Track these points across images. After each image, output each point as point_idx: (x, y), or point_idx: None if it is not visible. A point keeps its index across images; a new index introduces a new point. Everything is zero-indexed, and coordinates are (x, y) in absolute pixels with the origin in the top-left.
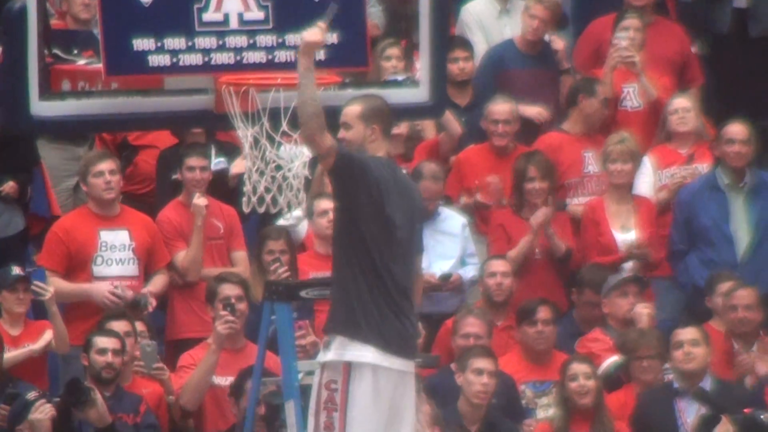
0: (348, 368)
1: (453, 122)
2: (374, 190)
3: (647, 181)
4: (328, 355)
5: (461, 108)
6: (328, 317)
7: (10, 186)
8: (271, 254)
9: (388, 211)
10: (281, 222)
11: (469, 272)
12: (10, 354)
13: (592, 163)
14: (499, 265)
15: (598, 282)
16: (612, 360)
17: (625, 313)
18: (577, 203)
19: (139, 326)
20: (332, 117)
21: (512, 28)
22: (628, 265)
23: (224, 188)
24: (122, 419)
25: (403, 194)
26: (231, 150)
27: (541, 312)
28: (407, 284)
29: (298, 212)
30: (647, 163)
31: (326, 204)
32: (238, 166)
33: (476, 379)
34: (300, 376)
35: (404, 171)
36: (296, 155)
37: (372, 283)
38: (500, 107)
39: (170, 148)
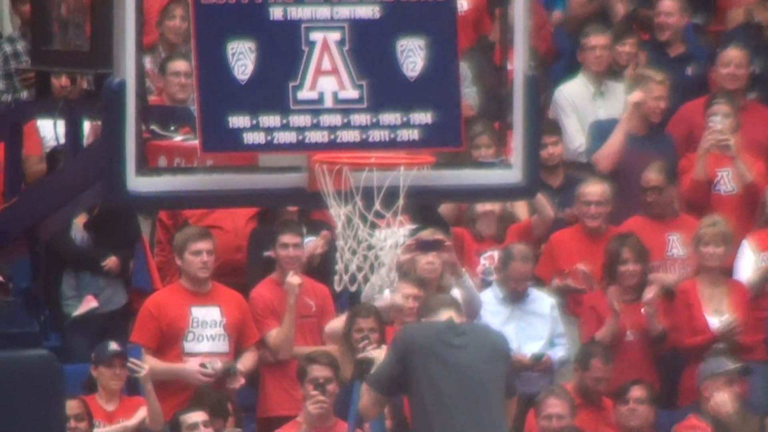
0: None
1: (546, 206)
2: (412, 374)
3: (748, 264)
4: None
5: (553, 189)
6: None
7: (112, 261)
8: (360, 332)
9: (435, 380)
10: (376, 302)
11: (558, 353)
12: (104, 430)
13: (676, 246)
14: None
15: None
16: None
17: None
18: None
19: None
20: (427, 197)
21: (606, 110)
22: (719, 347)
23: (317, 266)
24: None
25: (459, 350)
26: (320, 228)
27: (635, 391)
28: None
29: (388, 292)
30: (748, 247)
31: (409, 290)
32: (315, 245)
33: None
34: None
35: (474, 323)
36: (389, 235)
37: None
38: (592, 188)
39: (261, 225)
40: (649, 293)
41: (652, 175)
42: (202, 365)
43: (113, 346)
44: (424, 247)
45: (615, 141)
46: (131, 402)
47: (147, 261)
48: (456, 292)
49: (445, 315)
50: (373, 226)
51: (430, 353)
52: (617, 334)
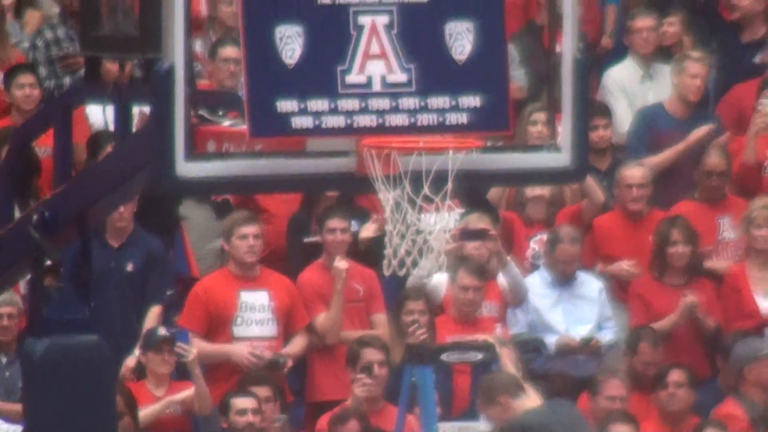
0: None
1: (596, 190)
2: None
3: None
4: None
5: (602, 172)
6: None
7: None
8: (410, 315)
9: None
10: (413, 276)
11: (606, 336)
12: (150, 408)
13: (727, 229)
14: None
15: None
16: None
17: None
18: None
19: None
20: (475, 181)
21: (655, 93)
22: None
23: (365, 251)
24: None
25: None
26: (362, 213)
27: (674, 375)
28: None
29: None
30: None
31: (469, 281)
32: (367, 230)
33: None
34: None
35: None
36: (438, 219)
37: None
38: (633, 172)
39: (301, 211)
40: (688, 302)
41: (715, 159)
42: (254, 348)
43: (162, 331)
44: (470, 236)
45: (666, 156)
46: (180, 387)
47: (185, 248)
48: (501, 279)
49: (531, 397)
50: (422, 210)
51: None
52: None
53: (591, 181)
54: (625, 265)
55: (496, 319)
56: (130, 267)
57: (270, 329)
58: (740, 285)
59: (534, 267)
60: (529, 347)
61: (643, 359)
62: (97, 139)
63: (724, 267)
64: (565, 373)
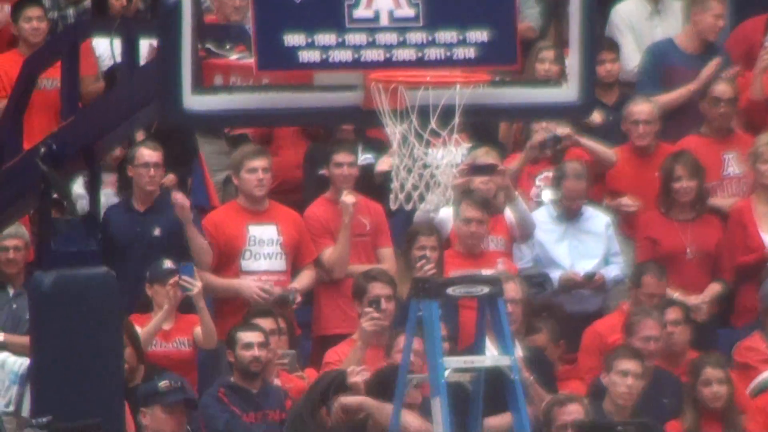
0: None
1: (606, 152)
2: None
3: None
4: None
5: (608, 107)
6: None
7: (169, 179)
8: (422, 250)
9: None
10: (420, 211)
11: (613, 271)
12: (143, 331)
13: (732, 165)
14: (654, 285)
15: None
16: (765, 376)
17: None
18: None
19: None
20: (482, 115)
21: (663, 29)
22: None
23: (371, 184)
24: (269, 416)
25: None
26: (378, 146)
27: (670, 313)
28: None
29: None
30: None
31: (472, 213)
32: (384, 163)
33: (621, 381)
34: (446, 373)
35: None
36: (445, 154)
37: None
38: (640, 107)
39: (317, 144)
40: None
41: (723, 87)
42: (262, 289)
43: (167, 264)
44: (478, 171)
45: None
46: (187, 320)
47: (204, 177)
48: (509, 214)
49: None
50: (429, 144)
51: None
52: (676, 252)
53: (601, 148)
54: (625, 200)
55: (501, 254)
56: (157, 231)
57: (278, 263)
58: (746, 220)
59: (539, 205)
60: (534, 282)
61: (647, 291)
62: (113, 74)
63: (728, 204)
64: (569, 308)
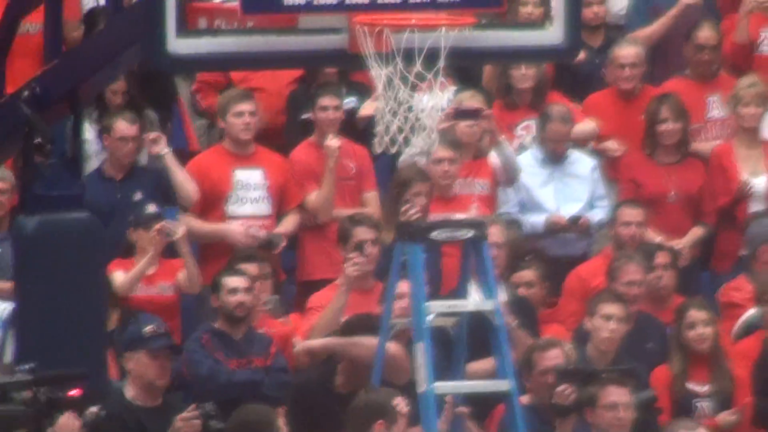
0: None
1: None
2: None
3: None
4: None
5: (594, 49)
6: None
7: (151, 137)
8: (417, 195)
9: None
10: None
11: (598, 215)
12: (127, 276)
13: (715, 107)
14: (633, 215)
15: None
16: (751, 313)
17: None
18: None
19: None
20: (468, 58)
21: None
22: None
23: (356, 128)
24: (253, 362)
25: None
26: (362, 90)
27: (660, 257)
28: None
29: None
30: None
31: (443, 152)
32: (367, 108)
33: (604, 325)
34: (429, 318)
35: None
36: (430, 97)
37: None
38: (626, 51)
39: (300, 87)
40: None
41: (707, 32)
42: (249, 227)
43: (151, 208)
44: (463, 115)
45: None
46: (171, 264)
47: (183, 121)
48: (494, 158)
49: None
50: (414, 87)
51: None
52: (659, 195)
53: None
54: (610, 144)
55: (482, 198)
56: (138, 196)
57: (264, 208)
58: (726, 163)
59: (522, 149)
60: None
61: (623, 220)
62: (92, 16)
63: (710, 147)
64: (553, 252)
